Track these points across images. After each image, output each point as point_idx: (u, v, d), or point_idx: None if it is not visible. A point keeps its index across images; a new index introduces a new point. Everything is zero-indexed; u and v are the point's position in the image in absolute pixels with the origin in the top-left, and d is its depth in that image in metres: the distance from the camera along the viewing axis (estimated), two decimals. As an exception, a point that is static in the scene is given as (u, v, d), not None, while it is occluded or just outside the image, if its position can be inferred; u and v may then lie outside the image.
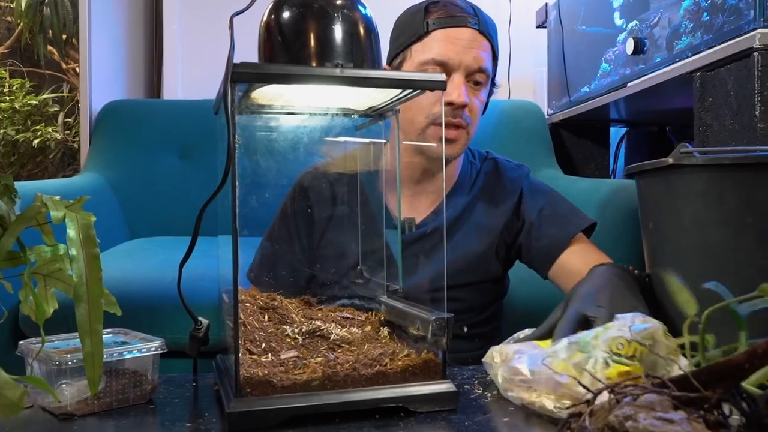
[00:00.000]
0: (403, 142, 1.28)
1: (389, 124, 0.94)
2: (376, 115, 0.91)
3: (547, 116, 2.19)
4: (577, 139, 2.16)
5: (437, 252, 1.26)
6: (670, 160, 0.82)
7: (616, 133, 2.26)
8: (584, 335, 0.76)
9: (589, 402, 0.53)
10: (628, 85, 1.65)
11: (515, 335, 0.89)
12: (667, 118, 2.08)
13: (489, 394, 0.80)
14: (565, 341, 0.75)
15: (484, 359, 0.85)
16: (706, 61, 1.33)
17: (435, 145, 1.21)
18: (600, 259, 1.17)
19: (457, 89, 1.17)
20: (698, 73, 1.36)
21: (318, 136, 0.95)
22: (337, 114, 0.90)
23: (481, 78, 1.22)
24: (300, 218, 1.24)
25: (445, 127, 1.20)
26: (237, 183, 0.70)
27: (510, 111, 2.12)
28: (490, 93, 1.33)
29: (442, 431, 0.69)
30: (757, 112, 1.18)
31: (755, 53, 1.19)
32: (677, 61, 1.43)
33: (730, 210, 0.79)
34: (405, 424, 0.70)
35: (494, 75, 1.30)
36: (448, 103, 1.17)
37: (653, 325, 0.74)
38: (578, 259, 1.21)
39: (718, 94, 1.30)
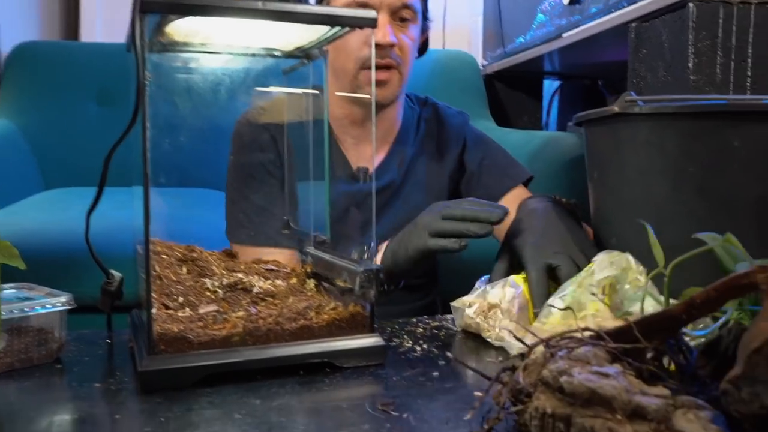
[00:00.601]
0: (336, 93, 1.24)
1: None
2: (303, 56, 0.85)
3: (481, 67, 2.16)
4: (510, 91, 2.14)
5: (390, 206, 1.24)
6: (616, 109, 0.80)
7: (550, 86, 2.26)
8: (569, 290, 0.74)
9: (523, 356, 0.51)
10: (564, 36, 1.63)
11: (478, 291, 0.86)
12: (599, 71, 2.08)
13: (419, 348, 0.77)
14: (556, 301, 0.74)
15: (453, 303, 0.86)
16: (642, 12, 1.31)
17: (367, 90, 1.18)
18: None
19: (381, 29, 1.12)
20: (633, 24, 1.34)
21: (242, 78, 0.89)
22: (261, 54, 0.84)
23: (407, 14, 1.18)
24: (253, 166, 1.20)
25: (374, 69, 1.16)
26: (148, 125, 0.64)
27: (444, 61, 2.08)
28: (426, 29, 1.29)
29: (369, 386, 0.66)
30: (690, 64, 1.18)
31: (690, 4, 1.17)
32: (613, 12, 1.41)
33: (671, 160, 0.77)
34: (330, 380, 0.67)
35: (425, 9, 1.26)
36: (375, 45, 1.13)
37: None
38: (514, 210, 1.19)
39: (653, 46, 1.29)
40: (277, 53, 0.84)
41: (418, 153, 1.29)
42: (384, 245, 0.99)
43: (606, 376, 0.44)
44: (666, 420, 0.41)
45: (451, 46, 2.35)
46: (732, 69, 1.17)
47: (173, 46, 0.80)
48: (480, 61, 2.20)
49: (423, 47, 1.34)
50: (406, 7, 1.16)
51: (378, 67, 1.16)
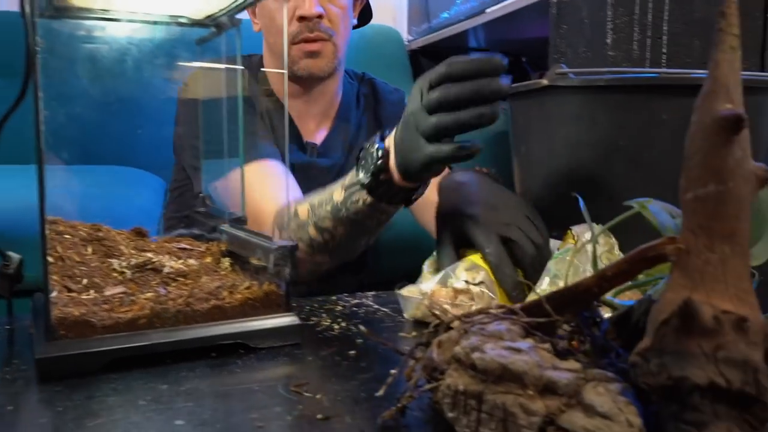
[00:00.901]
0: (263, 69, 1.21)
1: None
2: (213, 25, 0.81)
3: (406, 42, 2.14)
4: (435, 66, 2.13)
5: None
6: (545, 81, 0.80)
7: (475, 62, 2.26)
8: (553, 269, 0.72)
9: (437, 331, 0.50)
10: (487, 11, 1.63)
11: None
12: (523, 47, 2.09)
13: (337, 327, 0.76)
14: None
15: (401, 292, 0.78)
16: (562, -13, 1.32)
17: (300, 64, 1.16)
18: None
19: (306, 1, 1.09)
20: (554, 0, 1.35)
21: (149, 48, 0.84)
22: (167, 22, 0.80)
23: None
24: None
25: (304, 42, 1.13)
26: (40, 95, 0.59)
27: (369, 36, 2.05)
28: None
29: (283, 367, 0.64)
30: (608, 41, 1.19)
31: (608, -20, 1.19)
32: (534, -13, 1.41)
33: (602, 132, 0.78)
34: (243, 362, 0.65)
35: None
36: (301, 18, 1.10)
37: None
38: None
39: (573, 22, 1.30)
40: (183, 21, 0.79)
41: (360, 130, 1.28)
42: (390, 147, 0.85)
43: (518, 351, 0.43)
44: (576, 394, 0.41)
45: (376, 21, 2.32)
46: (648, 45, 1.19)
47: (71, 12, 0.74)
48: (405, 36, 2.18)
49: (364, 16, 1.32)
50: None
51: (308, 40, 1.14)
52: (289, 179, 1.07)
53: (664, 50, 1.18)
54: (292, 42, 1.14)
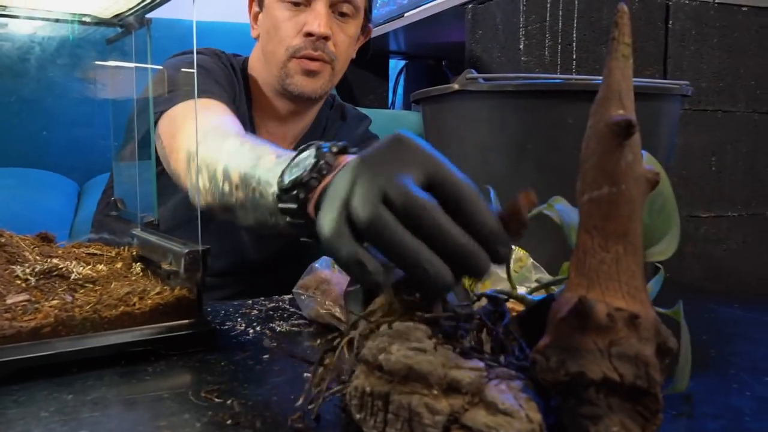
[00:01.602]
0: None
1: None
2: (119, 24, 0.80)
3: (327, 45, 2.14)
4: (357, 69, 2.14)
5: None
6: (456, 86, 0.81)
7: (396, 65, 2.28)
8: None
9: (342, 334, 0.50)
10: (406, 15, 1.65)
11: None
12: (443, 52, 2.13)
13: (251, 331, 0.75)
14: None
15: (294, 290, 0.79)
16: (477, -7, 1.35)
17: (295, 80, 1.13)
18: None
19: (318, 18, 1.07)
20: (470, 5, 1.37)
21: (54, 47, 0.81)
22: (69, 21, 0.77)
23: (348, 9, 1.13)
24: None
25: (305, 59, 1.11)
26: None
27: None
28: (367, 32, 1.24)
29: (194, 374, 0.63)
30: (521, 46, 1.22)
31: (521, -13, 1.22)
32: (451, -8, 1.44)
33: (511, 136, 0.80)
34: (154, 369, 0.63)
35: (368, 9, 1.21)
36: (308, 34, 1.08)
37: None
38: None
39: (488, 27, 1.33)
40: (88, 20, 0.77)
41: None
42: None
43: (423, 351, 0.44)
44: (479, 392, 0.42)
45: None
46: (559, 51, 1.22)
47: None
48: (326, 38, 2.18)
49: (363, 50, 1.29)
50: (346, 1, 1.11)
51: (310, 58, 1.11)
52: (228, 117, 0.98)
53: (574, 56, 1.22)
54: (292, 56, 1.11)
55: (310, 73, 1.12)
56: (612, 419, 0.42)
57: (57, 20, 0.75)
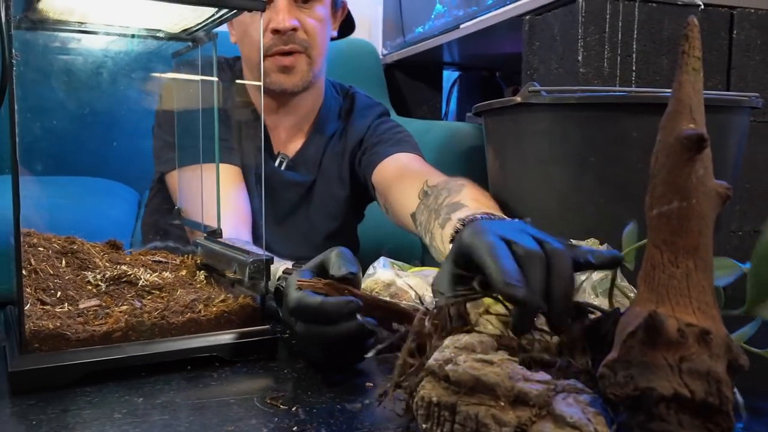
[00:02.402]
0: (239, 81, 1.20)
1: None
2: (189, 39, 0.82)
3: (381, 57, 2.16)
4: (410, 80, 2.15)
5: (301, 205, 1.22)
6: (518, 99, 0.81)
7: (449, 76, 2.28)
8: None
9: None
10: (461, 26, 1.65)
11: None
12: (497, 63, 2.12)
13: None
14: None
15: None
16: (535, 5, 1.34)
17: (274, 78, 1.14)
18: (425, 168, 1.12)
19: (280, 13, 1.09)
20: (527, 17, 1.37)
21: (125, 61, 0.84)
22: (143, 36, 0.80)
23: None
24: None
25: (278, 55, 1.12)
26: (16, 107, 0.59)
27: (344, 50, 2.06)
28: (342, 7, 1.25)
29: (258, 380, 0.64)
30: (579, 57, 1.21)
31: (579, 0, 1.21)
32: (508, 4, 1.43)
33: (573, 149, 0.79)
34: (219, 375, 0.65)
35: None
36: (275, 31, 1.09)
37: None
38: (406, 161, 1.16)
39: (545, 39, 1.33)
40: (160, 35, 0.80)
41: (332, 145, 1.26)
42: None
43: (490, 363, 0.44)
44: (546, 404, 0.42)
45: (352, 36, 2.34)
46: (618, 63, 1.21)
47: (47, 24, 0.75)
48: (380, 50, 2.20)
49: (345, 27, 1.30)
50: None
51: (282, 53, 1.12)
52: (237, 190, 1.07)
53: (634, 68, 1.21)
54: (266, 54, 1.12)
55: (285, 70, 1.14)
56: (682, 436, 0.41)
57: (133, 36, 0.77)
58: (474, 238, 0.51)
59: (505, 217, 0.79)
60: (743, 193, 1.31)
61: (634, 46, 1.21)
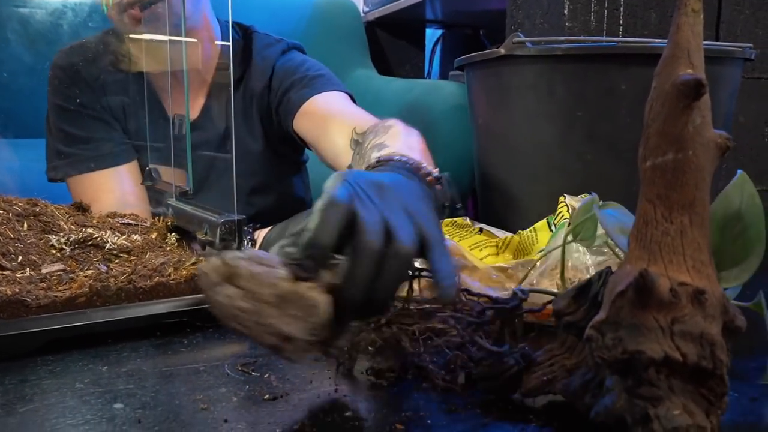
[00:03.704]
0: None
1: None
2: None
3: (362, 14, 2.10)
4: (392, 39, 2.10)
5: (219, 156, 1.12)
6: (502, 51, 0.77)
7: (432, 35, 2.23)
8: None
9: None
10: (444, -19, 1.60)
11: None
12: (481, 20, 2.07)
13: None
14: None
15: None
16: (519, -43, 1.29)
17: (133, 31, 0.99)
18: (348, 110, 1.04)
19: None
20: (511, -30, 1.33)
21: (86, 12, 0.79)
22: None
23: None
24: (70, 105, 1.05)
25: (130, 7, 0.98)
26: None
27: (324, 7, 2.00)
28: None
29: (231, 346, 0.61)
30: (565, 11, 1.17)
31: (566, -50, 1.17)
32: (491, -43, 1.39)
33: (559, 103, 0.76)
34: (189, 341, 0.62)
35: None
36: None
37: None
38: (325, 105, 1.07)
39: (530, -8, 1.28)
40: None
41: (237, 95, 1.14)
42: (261, 235, 0.85)
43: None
44: None
45: (332, -8, 2.27)
46: (605, 16, 1.17)
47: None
48: (361, 7, 2.14)
49: None
50: None
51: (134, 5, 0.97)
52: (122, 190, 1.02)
53: (621, 22, 1.17)
54: (120, 10, 0.97)
55: (136, 21, 0.99)
56: (673, 401, 0.39)
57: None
58: (331, 181, 0.47)
59: (429, 161, 0.74)
60: (729, 153, 1.28)
61: (622, 0, 1.17)
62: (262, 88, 1.14)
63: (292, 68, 1.14)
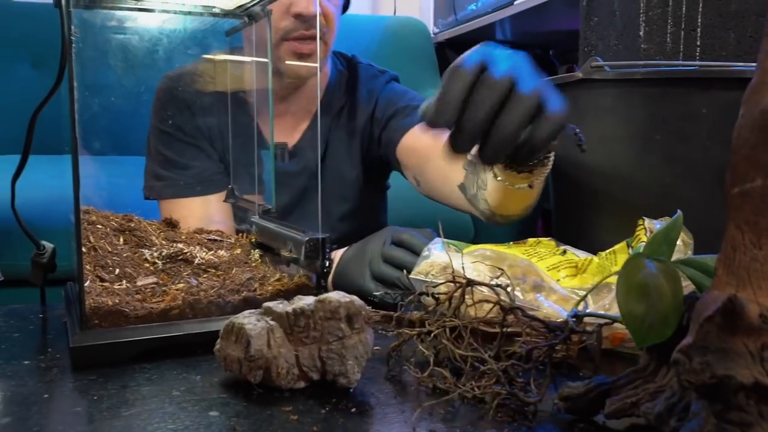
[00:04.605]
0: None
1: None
2: (244, 15, 0.81)
3: (432, 35, 2.13)
4: (462, 59, 2.12)
5: (314, 178, 1.15)
6: (580, 75, 0.78)
7: (501, 55, 2.24)
8: None
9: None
10: (515, 2, 1.62)
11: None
12: (551, 40, 2.08)
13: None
14: None
15: (413, 276, 0.76)
16: (593, -21, 1.30)
17: (292, 63, 1.08)
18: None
19: None
20: (585, -9, 1.33)
21: (180, 39, 0.84)
22: (199, 13, 0.80)
23: None
24: (171, 130, 1.11)
25: (296, 40, 1.07)
26: (75, 85, 0.59)
27: (395, 28, 2.05)
28: None
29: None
30: (641, 33, 1.17)
31: (641, -29, 1.17)
32: (564, -22, 1.39)
33: (637, 126, 0.76)
34: (275, 354, 0.65)
35: None
36: (298, 15, 1.04)
37: None
38: (422, 134, 1.08)
39: (604, 14, 1.28)
40: (216, 11, 0.79)
41: (338, 122, 1.19)
42: (338, 255, 0.89)
43: None
44: None
45: (402, 13, 2.31)
46: (682, 37, 1.16)
47: (104, 2, 0.75)
48: (431, 28, 2.17)
49: (344, 5, 1.24)
50: None
51: (303, 38, 1.06)
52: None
53: (698, 43, 1.16)
54: (283, 38, 1.06)
55: (302, 56, 1.08)
56: (764, 428, 0.39)
57: (188, 13, 0.77)
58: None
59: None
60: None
61: (699, 20, 1.16)
62: (365, 118, 1.19)
63: (395, 98, 1.18)
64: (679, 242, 0.66)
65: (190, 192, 1.09)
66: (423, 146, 1.08)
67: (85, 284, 0.65)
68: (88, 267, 0.70)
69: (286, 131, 1.18)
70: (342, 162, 1.19)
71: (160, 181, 1.11)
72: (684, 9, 1.16)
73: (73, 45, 0.58)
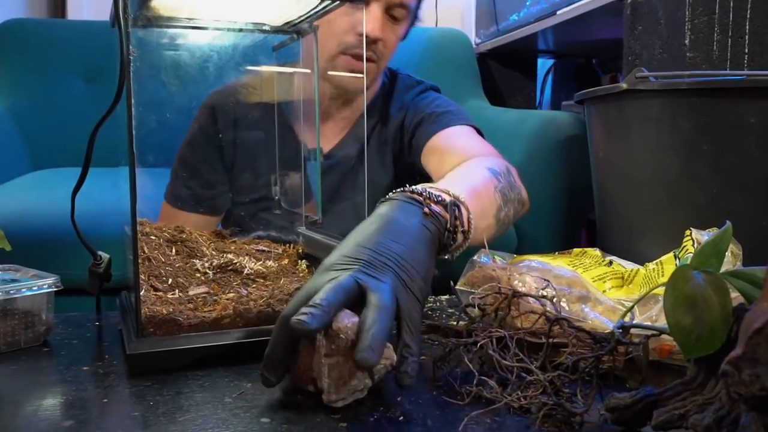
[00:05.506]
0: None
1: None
2: (293, 31, 0.83)
3: (474, 45, 2.13)
4: (504, 69, 2.12)
5: (346, 184, 1.20)
6: (625, 85, 0.79)
7: (543, 64, 2.24)
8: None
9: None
10: (558, 12, 1.61)
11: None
12: (593, 49, 2.06)
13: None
14: None
15: (459, 287, 0.77)
16: (637, -12, 1.29)
17: (344, 75, 1.13)
18: (467, 145, 1.09)
19: (374, 21, 1.07)
20: (629, 0, 1.32)
21: (230, 55, 0.87)
22: (250, 29, 0.82)
23: (401, 14, 1.13)
24: (210, 142, 1.15)
25: (354, 57, 1.11)
26: (133, 101, 0.62)
27: (437, 39, 2.05)
28: (411, 25, 1.25)
29: (362, 369, 0.65)
30: (686, 41, 1.16)
31: (687, -20, 1.16)
32: (608, -12, 1.39)
33: (684, 136, 0.76)
34: (323, 363, 0.66)
35: (417, 8, 1.20)
36: (361, 35, 1.08)
37: None
38: (446, 140, 1.13)
39: (648, 23, 1.28)
40: (266, 28, 0.81)
41: (376, 129, 1.23)
42: None
43: None
44: None
45: (444, 24, 2.32)
46: (729, 45, 1.15)
47: (159, 21, 0.77)
48: (473, 39, 2.17)
49: (405, 34, 1.28)
50: (401, 6, 1.12)
51: (359, 57, 1.10)
52: None
53: (746, 51, 1.14)
54: (342, 51, 1.10)
55: (354, 72, 1.11)
56: (815, 440, 0.39)
57: (240, 30, 0.79)
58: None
59: (480, 198, 0.80)
60: None
61: (747, 27, 1.15)
62: (396, 127, 1.22)
63: (422, 106, 1.21)
64: (727, 253, 0.66)
65: (205, 210, 1.14)
66: (438, 155, 1.11)
67: (141, 293, 0.68)
68: (142, 277, 0.72)
69: (326, 138, 1.22)
70: (376, 169, 1.22)
71: (180, 189, 1.14)
72: (731, 16, 1.14)
73: (131, 64, 0.61)
